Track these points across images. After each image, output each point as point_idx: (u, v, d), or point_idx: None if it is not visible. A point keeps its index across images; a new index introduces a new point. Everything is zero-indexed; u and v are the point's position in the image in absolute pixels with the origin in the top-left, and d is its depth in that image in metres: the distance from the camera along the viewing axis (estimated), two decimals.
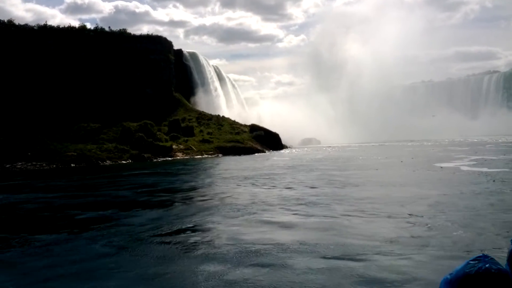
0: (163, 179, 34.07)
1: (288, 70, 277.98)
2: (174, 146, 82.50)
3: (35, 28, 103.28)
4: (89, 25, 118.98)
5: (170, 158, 74.81)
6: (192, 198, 23.15)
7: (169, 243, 13.61)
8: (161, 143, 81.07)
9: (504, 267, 1.72)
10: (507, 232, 13.00)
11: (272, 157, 65.42)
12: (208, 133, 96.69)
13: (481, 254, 1.78)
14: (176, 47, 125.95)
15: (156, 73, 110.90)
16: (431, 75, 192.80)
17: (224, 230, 15.16)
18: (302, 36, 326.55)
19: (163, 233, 14.96)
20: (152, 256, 12.22)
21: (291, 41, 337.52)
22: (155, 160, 70.25)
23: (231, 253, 12.02)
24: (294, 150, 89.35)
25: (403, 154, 54.37)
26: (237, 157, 70.07)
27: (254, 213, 17.76)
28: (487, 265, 1.69)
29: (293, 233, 14.20)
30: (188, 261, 11.67)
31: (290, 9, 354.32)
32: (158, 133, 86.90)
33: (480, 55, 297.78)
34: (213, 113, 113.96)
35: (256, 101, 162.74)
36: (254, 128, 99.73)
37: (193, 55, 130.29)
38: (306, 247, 12.28)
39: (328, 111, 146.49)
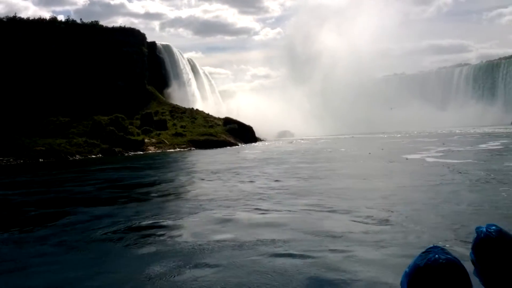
0: (129, 174, 33.60)
1: (264, 63, 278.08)
2: (146, 140, 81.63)
3: (4, 19, 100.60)
4: (62, 18, 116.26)
5: (141, 152, 74.12)
6: (155, 193, 22.82)
7: (122, 240, 13.35)
8: (132, 137, 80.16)
9: (453, 256, 1.75)
10: (462, 225, 13.12)
11: (244, 150, 65.34)
12: (182, 127, 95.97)
13: (432, 245, 1.81)
14: (151, 39, 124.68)
15: (129, 65, 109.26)
16: (405, 67, 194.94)
17: (180, 227, 14.93)
18: (278, 29, 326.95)
19: (118, 230, 14.66)
20: (101, 255, 11.95)
21: (267, 34, 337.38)
22: (126, 154, 69.46)
23: (184, 251, 11.80)
24: (267, 143, 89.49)
25: (373, 145, 54.90)
26: (209, 151, 69.78)
27: (214, 209, 17.58)
28: (436, 256, 1.72)
29: (250, 229, 14.02)
30: (138, 259, 11.42)
31: (267, 2, 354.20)
32: (129, 126, 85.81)
33: (453, 48, 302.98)
34: (188, 106, 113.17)
35: (232, 94, 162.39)
36: (228, 121, 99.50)
37: (167, 48, 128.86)
38: (261, 245, 12.10)
39: (303, 103, 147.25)
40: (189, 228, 14.57)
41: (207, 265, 10.61)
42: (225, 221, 15.42)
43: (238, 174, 29.97)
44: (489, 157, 33.63)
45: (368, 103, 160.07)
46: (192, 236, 13.49)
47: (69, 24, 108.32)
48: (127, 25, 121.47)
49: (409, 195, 18.22)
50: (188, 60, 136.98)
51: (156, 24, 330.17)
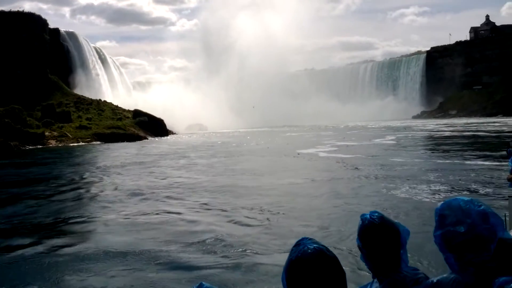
0: (9, 172, 30.88)
1: (181, 54, 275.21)
2: (46, 133, 76.68)
3: None
4: None
5: (41, 146, 69.46)
6: (21, 194, 20.85)
7: None
8: (31, 130, 74.86)
9: (320, 245, 1.81)
10: (332, 220, 13.06)
11: (151, 144, 63.52)
12: (87, 119, 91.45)
13: (301, 238, 1.85)
14: (62, 27, 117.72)
15: (28, 53, 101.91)
16: (316, 63, 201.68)
17: (32, 235, 13.44)
18: (195, 21, 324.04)
19: None
20: None
21: (183, 25, 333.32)
22: (23, 149, 64.69)
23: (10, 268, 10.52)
24: (178, 136, 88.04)
25: (277, 140, 55.66)
26: (114, 144, 67.00)
27: (88, 212, 16.29)
28: (305, 247, 1.78)
29: (103, 236, 12.75)
30: None
31: None
32: (29, 119, 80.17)
33: (360, 45, 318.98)
34: (95, 97, 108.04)
35: (147, 86, 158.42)
36: (137, 113, 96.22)
37: (72, 35, 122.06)
38: (111, 252, 11.02)
39: (218, 96, 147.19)
40: (42, 236, 13.17)
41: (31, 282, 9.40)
42: (90, 226, 14.22)
43: (131, 170, 28.61)
44: (379, 151, 34.98)
45: (281, 97, 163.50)
46: (41, 243, 12.17)
47: None
48: (35, 11, 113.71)
49: (286, 192, 18.15)
50: (96, 48, 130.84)
51: (66, 10, 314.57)
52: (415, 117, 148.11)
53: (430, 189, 17.74)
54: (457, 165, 24.87)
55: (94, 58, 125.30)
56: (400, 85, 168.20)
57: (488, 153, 30.19)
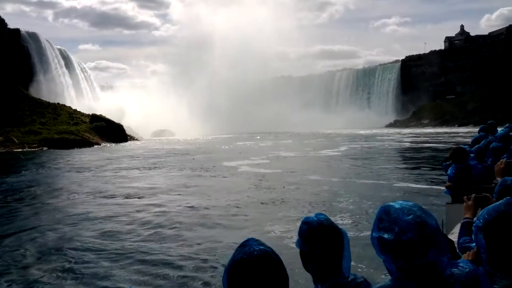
0: None
1: (163, 59, 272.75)
2: None
3: None
4: None
5: None
6: None
7: None
8: None
9: (266, 247, 1.70)
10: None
11: (95, 152, 59.34)
12: (41, 123, 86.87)
13: (247, 239, 1.75)
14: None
15: None
16: (298, 71, 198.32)
17: None
18: (180, 26, 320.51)
19: None
20: None
21: (167, 30, 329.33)
22: None
23: None
24: (136, 143, 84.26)
25: (222, 148, 52.33)
26: (60, 151, 62.83)
27: None
28: (251, 249, 1.68)
29: None
30: None
31: None
32: None
33: (343, 53, 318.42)
34: (56, 102, 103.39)
35: (117, 90, 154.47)
36: (95, 118, 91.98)
37: (33, 36, 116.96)
38: None
39: (192, 102, 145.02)
40: None
41: None
42: None
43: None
44: (309, 165, 31.48)
45: (256, 103, 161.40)
46: None
47: None
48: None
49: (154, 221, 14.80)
50: (60, 51, 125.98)
51: (49, 13, 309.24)
52: (388, 126, 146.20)
53: None
54: (383, 187, 21.36)
55: (56, 60, 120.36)
56: (375, 93, 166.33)
57: (429, 172, 26.84)
